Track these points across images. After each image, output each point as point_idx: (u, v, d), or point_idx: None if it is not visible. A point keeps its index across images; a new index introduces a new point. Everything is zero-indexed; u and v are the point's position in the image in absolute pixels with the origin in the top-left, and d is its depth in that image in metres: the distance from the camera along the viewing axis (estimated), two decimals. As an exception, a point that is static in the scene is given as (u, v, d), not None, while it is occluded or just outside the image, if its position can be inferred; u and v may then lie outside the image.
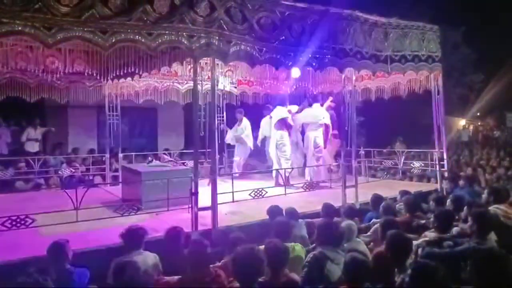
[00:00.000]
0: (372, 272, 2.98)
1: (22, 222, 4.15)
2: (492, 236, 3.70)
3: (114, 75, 6.31)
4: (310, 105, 8.60)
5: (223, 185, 5.81)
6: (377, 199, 5.49)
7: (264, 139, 9.11)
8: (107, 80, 7.18)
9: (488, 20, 19.92)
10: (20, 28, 3.74)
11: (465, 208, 4.68)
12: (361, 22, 6.16)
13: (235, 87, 9.80)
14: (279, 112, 8.34)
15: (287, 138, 8.18)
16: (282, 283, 2.91)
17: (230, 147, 9.86)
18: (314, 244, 3.98)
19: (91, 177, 9.30)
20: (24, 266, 3.35)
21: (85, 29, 4.01)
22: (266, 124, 8.85)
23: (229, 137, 9.54)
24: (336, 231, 3.63)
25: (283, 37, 5.33)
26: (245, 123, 9.34)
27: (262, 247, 3.48)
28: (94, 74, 6.62)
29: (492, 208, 4.58)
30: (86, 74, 6.95)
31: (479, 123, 26.58)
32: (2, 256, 3.88)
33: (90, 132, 12.39)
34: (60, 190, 7.90)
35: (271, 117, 8.48)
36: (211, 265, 3.23)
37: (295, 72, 6.79)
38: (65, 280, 3.28)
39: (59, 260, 3.39)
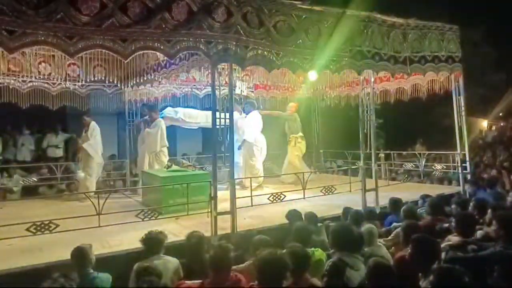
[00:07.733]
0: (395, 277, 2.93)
1: (46, 227, 4.25)
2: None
3: (134, 82, 6.40)
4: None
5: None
6: (395, 202, 5.41)
7: None
8: (127, 87, 7.29)
9: (508, 17, 19.44)
10: (43, 38, 3.86)
11: (489, 211, 4.56)
12: (378, 24, 6.11)
13: (252, 92, 9.83)
14: None
15: None
16: (305, 289, 2.89)
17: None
18: (332, 250, 3.93)
19: (112, 183, 9.44)
20: (48, 271, 3.40)
21: (106, 38, 4.10)
22: None
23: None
24: (352, 236, 3.58)
25: (300, 41, 5.33)
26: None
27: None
28: (115, 82, 6.73)
29: (519, 211, 4.45)
30: (106, 81, 7.08)
31: (501, 124, 25.86)
32: (27, 261, 3.96)
33: (110, 138, 12.56)
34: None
35: None
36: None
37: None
38: (88, 285, 3.34)
39: (82, 265, 3.45)
